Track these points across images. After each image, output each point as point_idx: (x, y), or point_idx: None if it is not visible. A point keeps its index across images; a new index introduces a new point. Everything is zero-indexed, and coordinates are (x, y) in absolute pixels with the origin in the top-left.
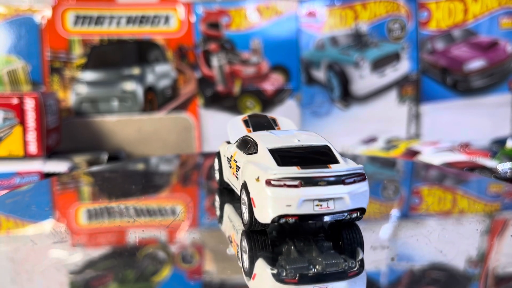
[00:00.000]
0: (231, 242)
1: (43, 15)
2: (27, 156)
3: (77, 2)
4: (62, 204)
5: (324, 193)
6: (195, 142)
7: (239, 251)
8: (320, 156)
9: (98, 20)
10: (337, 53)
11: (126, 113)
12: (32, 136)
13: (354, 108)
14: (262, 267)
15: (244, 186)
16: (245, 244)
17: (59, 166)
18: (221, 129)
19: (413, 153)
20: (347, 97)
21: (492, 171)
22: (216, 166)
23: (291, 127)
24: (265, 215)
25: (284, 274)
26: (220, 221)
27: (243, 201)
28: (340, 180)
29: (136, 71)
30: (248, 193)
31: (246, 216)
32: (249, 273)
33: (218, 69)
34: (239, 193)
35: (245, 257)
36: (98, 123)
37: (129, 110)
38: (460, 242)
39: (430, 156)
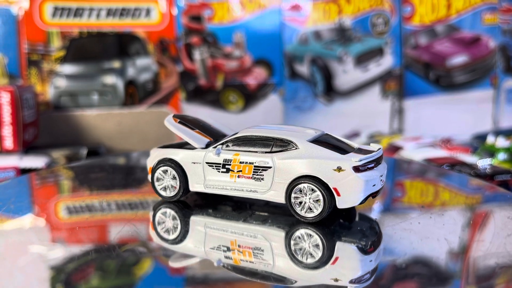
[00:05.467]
0: (228, 250)
1: (20, 6)
2: (2, 152)
3: None
4: (41, 199)
5: (384, 169)
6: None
7: (269, 251)
8: (341, 141)
9: (77, 12)
10: (320, 47)
11: (106, 107)
12: (7, 131)
13: (337, 103)
14: (341, 249)
15: (310, 181)
16: (296, 241)
17: (36, 161)
18: None
19: (395, 148)
20: (330, 92)
21: (472, 167)
22: (168, 177)
23: (222, 127)
24: (354, 199)
25: (363, 247)
26: (183, 237)
27: (299, 198)
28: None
29: (116, 64)
30: (324, 186)
31: (316, 208)
32: (323, 261)
33: (200, 62)
34: (260, 195)
35: (313, 250)
36: (77, 117)
37: (109, 104)
38: (442, 234)
39: (411, 151)
